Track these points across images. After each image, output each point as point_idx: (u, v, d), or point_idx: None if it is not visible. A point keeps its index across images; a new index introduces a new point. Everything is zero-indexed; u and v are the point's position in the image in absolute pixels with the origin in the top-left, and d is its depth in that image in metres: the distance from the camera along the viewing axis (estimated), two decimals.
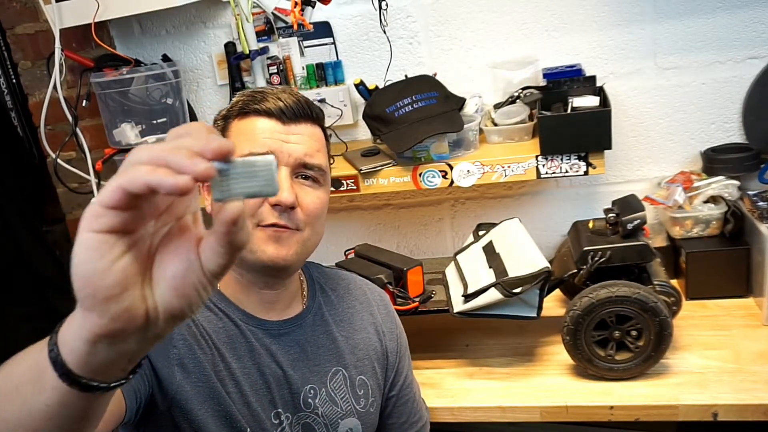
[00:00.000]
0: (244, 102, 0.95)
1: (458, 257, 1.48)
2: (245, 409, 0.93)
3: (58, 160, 1.73)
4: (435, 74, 1.55)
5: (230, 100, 1.76)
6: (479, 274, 1.35)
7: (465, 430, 1.31)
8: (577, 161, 1.36)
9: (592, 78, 1.52)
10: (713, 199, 1.50)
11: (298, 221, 0.94)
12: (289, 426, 0.97)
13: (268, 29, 1.70)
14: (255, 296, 0.98)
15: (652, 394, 1.21)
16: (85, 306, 0.46)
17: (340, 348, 1.04)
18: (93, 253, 0.44)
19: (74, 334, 0.48)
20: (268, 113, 0.94)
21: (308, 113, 0.98)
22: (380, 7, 1.57)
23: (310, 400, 0.99)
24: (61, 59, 1.60)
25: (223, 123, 0.97)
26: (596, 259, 1.28)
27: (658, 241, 1.61)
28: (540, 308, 1.28)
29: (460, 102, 1.52)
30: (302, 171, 0.96)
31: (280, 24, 1.70)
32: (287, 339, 0.99)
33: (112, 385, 0.51)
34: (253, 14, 1.66)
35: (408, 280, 1.42)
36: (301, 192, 0.95)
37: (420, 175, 1.44)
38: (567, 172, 1.38)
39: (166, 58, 1.75)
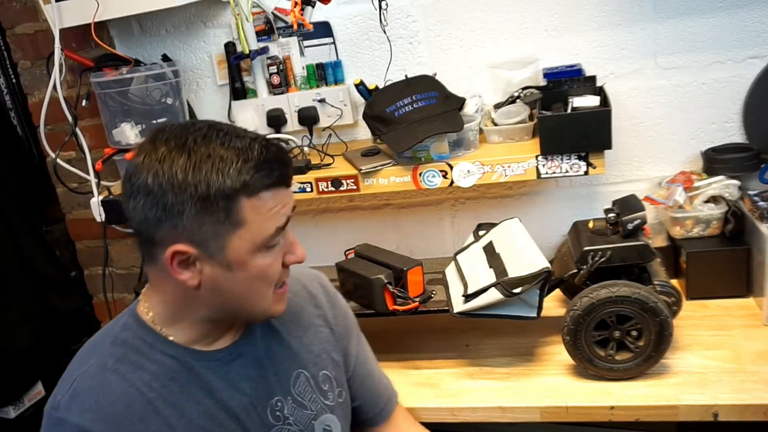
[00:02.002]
0: (256, 179, 0.84)
1: (458, 257, 1.48)
2: None
3: (58, 160, 1.73)
4: (435, 74, 1.55)
5: (230, 99, 1.76)
6: (479, 274, 1.35)
7: (465, 430, 1.31)
8: (577, 161, 1.36)
9: (592, 78, 1.52)
10: (713, 199, 1.50)
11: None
12: None
13: (268, 29, 1.70)
14: (210, 332, 0.96)
15: (653, 394, 1.21)
16: None
17: (294, 351, 1.04)
18: None
19: None
20: (278, 185, 0.87)
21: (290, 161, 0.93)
22: (380, 7, 1.57)
23: (278, 413, 0.99)
24: (60, 59, 1.60)
25: (227, 203, 0.83)
26: (596, 259, 1.28)
27: (658, 241, 1.61)
28: (540, 308, 1.28)
29: (460, 102, 1.52)
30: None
31: (280, 24, 1.70)
32: (243, 360, 0.99)
33: None
34: (253, 14, 1.66)
35: (408, 280, 1.42)
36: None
37: (420, 175, 1.44)
38: (567, 172, 1.38)
39: (166, 58, 1.75)
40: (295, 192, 1.53)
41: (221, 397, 0.94)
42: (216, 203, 0.83)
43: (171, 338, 0.94)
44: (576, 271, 1.31)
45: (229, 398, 0.95)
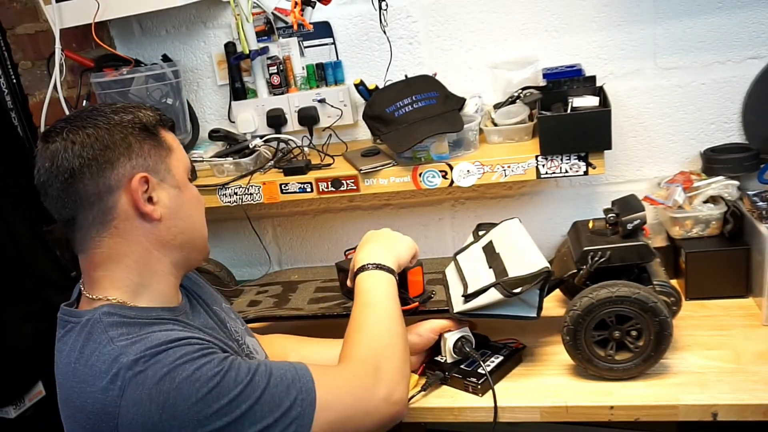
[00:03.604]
0: (160, 115, 1.00)
1: (458, 257, 1.48)
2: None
3: None
4: (435, 74, 1.56)
5: (230, 100, 1.76)
6: (479, 274, 1.35)
7: (465, 430, 1.31)
8: (577, 161, 1.36)
9: (592, 78, 1.53)
10: (713, 199, 1.50)
11: None
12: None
13: (268, 29, 1.71)
14: (174, 286, 1.04)
15: (652, 394, 1.21)
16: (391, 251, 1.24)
17: (204, 297, 1.15)
18: None
19: (371, 258, 1.22)
20: (173, 129, 1.05)
21: None
22: (380, 8, 1.57)
23: (233, 342, 1.09)
24: (61, 59, 1.60)
25: (155, 130, 0.98)
26: (596, 259, 1.28)
27: (658, 241, 1.61)
28: (540, 308, 1.28)
29: (460, 102, 1.52)
30: None
31: (280, 24, 1.70)
32: (193, 309, 1.09)
33: None
34: (253, 14, 1.67)
35: (408, 280, 1.42)
36: None
37: (420, 175, 1.44)
38: (567, 172, 1.38)
39: (166, 58, 1.75)
40: (295, 192, 1.54)
41: (208, 333, 1.00)
42: (151, 132, 0.97)
43: (144, 305, 0.97)
44: (576, 271, 1.31)
45: (211, 334, 1.00)
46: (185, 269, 1.06)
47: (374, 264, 1.21)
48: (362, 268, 1.22)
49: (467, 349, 1.30)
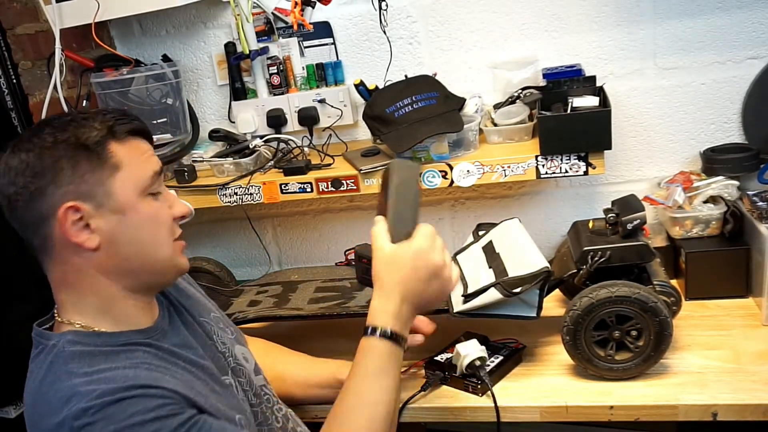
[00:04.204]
0: (119, 124, 0.91)
1: (458, 257, 1.48)
2: (218, 395, 0.95)
3: None
4: (435, 74, 1.56)
5: (230, 100, 1.76)
6: (479, 274, 1.35)
7: (465, 430, 1.31)
8: (576, 161, 1.36)
9: (592, 78, 1.53)
10: (713, 199, 1.50)
11: None
12: (235, 381, 1.03)
13: (268, 29, 1.71)
14: (144, 311, 0.97)
15: (652, 394, 1.21)
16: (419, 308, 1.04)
17: (189, 306, 1.09)
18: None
19: (393, 318, 0.99)
20: (140, 134, 0.95)
21: None
22: (380, 8, 1.57)
23: (220, 354, 1.05)
24: (61, 59, 1.60)
25: (96, 147, 0.88)
26: (596, 259, 1.28)
27: (657, 241, 1.61)
28: (540, 308, 1.28)
29: (460, 102, 1.52)
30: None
31: (280, 24, 1.70)
32: (174, 325, 1.02)
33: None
34: (253, 14, 1.67)
35: None
36: None
37: (420, 175, 1.44)
38: (567, 172, 1.38)
39: (166, 58, 1.75)
40: (295, 192, 1.54)
41: (183, 356, 0.96)
42: (89, 152, 0.87)
43: (113, 330, 0.93)
44: (576, 271, 1.31)
45: (189, 354, 0.97)
46: (150, 291, 0.99)
47: (391, 333, 0.99)
48: (381, 333, 0.99)
49: (480, 373, 1.27)
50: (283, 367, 1.27)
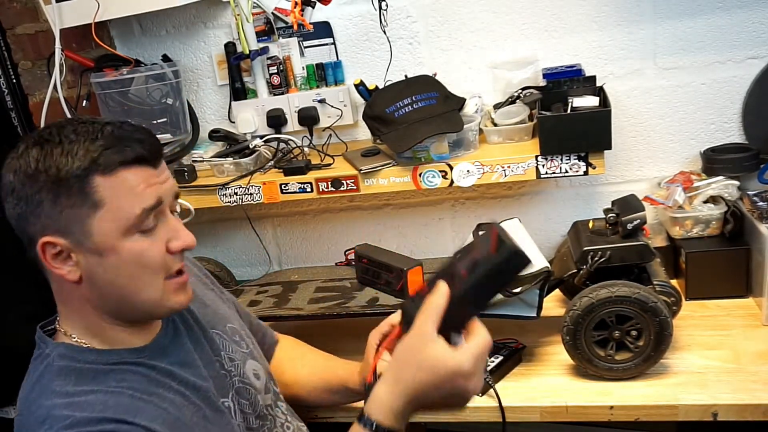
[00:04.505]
0: (107, 154, 0.82)
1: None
2: (207, 422, 0.94)
3: None
4: (435, 74, 1.56)
5: (230, 99, 1.76)
6: None
7: (465, 430, 1.31)
8: (577, 161, 1.36)
9: (592, 78, 1.52)
10: (713, 199, 1.50)
11: (185, 256, 0.94)
12: (234, 404, 1.01)
13: (268, 29, 1.70)
14: (141, 331, 0.95)
15: (652, 394, 1.21)
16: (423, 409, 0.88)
17: (202, 315, 1.06)
18: None
19: (392, 416, 0.85)
20: (139, 161, 0.84)
21: (161, 144, 0.91)
22: (380, 8, 1.57)
23: (223, 371, 1.02)
24: (61, 59, 1.60)
25: (79, 183, 0.81)
26: (596, 259, 1.28)
27: (658, 241, 1.61)
28: (540, 308, 1.28)
29: (460, 102, 1.52)
30: (174, 206, 0.92)
31: (280, 24, 1.70)
32: (177, 341, 0.99)
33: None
34: (253, 14, 1.67)
35: (408, 280, 1.42)
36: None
37: (420, 175, 1.44)
38: (567, 172, 1.38)
39: (166, 58, 1.75)
40: (295, 192, 1.54)
41: (184, 377, 0.94)
42: (69, 186, 0.81)
43: (111, 348, 0.91)
44: (576, 271, 1.31)
45: (192, 375, 0.96)
46: (141, 322, 0.94)
47: (385, 429, 0.86)
48: (375, 428, 0.86)
49: (483, 375, 1.26)
50: (300, 370, 1.27)
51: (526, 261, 0.83)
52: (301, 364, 1.28)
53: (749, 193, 1.48)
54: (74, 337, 0.91)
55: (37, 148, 0.82)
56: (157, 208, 0.86)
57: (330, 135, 1.71)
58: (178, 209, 0.94)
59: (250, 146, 1.65)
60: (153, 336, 0.96)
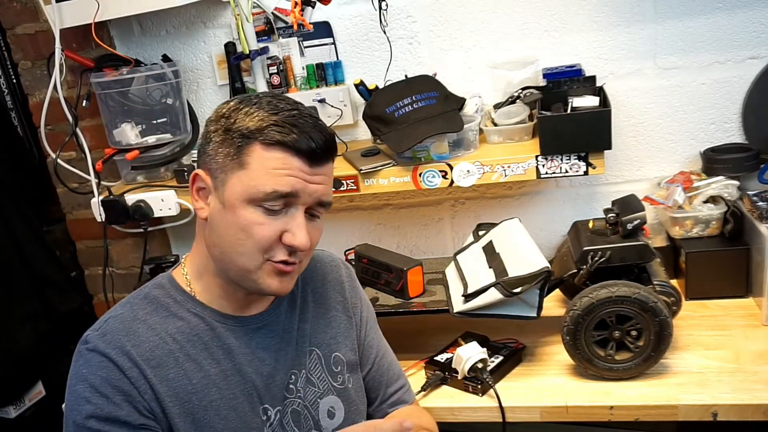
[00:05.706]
0: (274, 130, 0.89)
1: (458, 257, 1.48)
2: (232, 412, 0.94)
3: (58, 160, 1.74)
4: (435, 74, 1.56)
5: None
6: (479, 274, 1.35)
7: (465, 430, 1.31)
8: (577, 161, 1.36)
9: (592, 78, 1.53)
10: (713, 199, 1.50)
11: (302, 256, 0.97)
12: (277, 418, 0.99)
13: (268, 29, 1.71)
14: (237, 298, 0.99)
15: (652, 394, 1.21)
16: None
17: (313, 329, 1.06)
18: None
19: None
20: (298, 151, 0.89)
21: (334, 152, 0.95)
22: (380, 8, 1.57)
23: (292, 386, 1.01)
24: (61, 59, 1.60)
25: (241, 140, 0.89)
26: (596, 259, 1.28)
27: (658, 241, 1.61)
28: (540, 308, 1.28)
29: (460, 102, 1.52)
30: (316, 209, 0.96)
31: (280, 24, 1.70)
32: (267, 331, 1.01)
33: None
34: (253, 14, 1.67)
35: (408, 280, 1.43)
36: (310, 228, 0.95)
37: (420, 175, 1.44)
38: (567, 172, 1.38)
39: (166, 58, 1.75)
40: None
41: (240, 361, 0.97)
42: (233, 138, 0.90)
43: (198, 297, 0.98)
44: (576, 271, 1.31)
45: (248, 364, 0.97)
46: (235, 285, 0.97)
47: None
48: None
49: (483, 375, 1.26)
50: None
51: None
52: None
53: (749, 193, 1.48)
54: (186, 274, 1.00)
55: (236, 101, 0.94)
56: (289, 197, 0.91)
57: None
58: (321, 217, 0.98)
59: None
60: (245, 314, 1.00)
